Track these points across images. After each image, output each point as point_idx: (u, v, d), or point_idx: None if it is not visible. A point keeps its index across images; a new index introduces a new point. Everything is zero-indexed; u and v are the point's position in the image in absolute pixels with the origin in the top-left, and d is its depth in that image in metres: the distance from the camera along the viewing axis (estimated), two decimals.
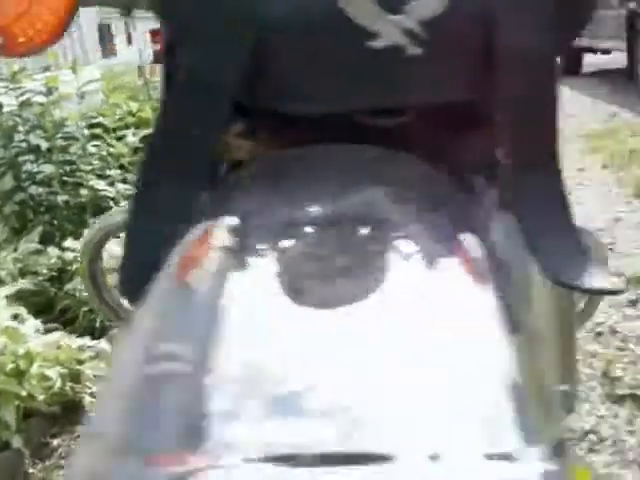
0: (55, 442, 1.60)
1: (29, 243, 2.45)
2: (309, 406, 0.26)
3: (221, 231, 0.36)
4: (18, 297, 2.08)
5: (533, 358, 0.34)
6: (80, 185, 2.81)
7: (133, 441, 0.27)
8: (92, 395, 1.76)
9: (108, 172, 2.92)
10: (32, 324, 1.83)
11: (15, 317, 1.82)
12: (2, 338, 1.62)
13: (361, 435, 0.25)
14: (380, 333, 0.29)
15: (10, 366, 1.59)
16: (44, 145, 2.65)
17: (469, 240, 0.35)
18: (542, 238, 0.39)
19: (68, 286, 2.29)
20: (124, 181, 3.02)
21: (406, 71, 0.38)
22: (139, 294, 0.35)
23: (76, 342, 1.84)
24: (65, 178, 2.77)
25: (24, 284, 2.23)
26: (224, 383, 0.27)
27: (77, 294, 2.24)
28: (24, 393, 1.58)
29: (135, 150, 3.31)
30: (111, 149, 3.03)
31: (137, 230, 0.42)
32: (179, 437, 0.26)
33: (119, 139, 3.39)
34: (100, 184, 2.88)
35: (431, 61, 0.37)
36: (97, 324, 2.14)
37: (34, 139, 2.64)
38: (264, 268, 0.32)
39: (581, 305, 1.00)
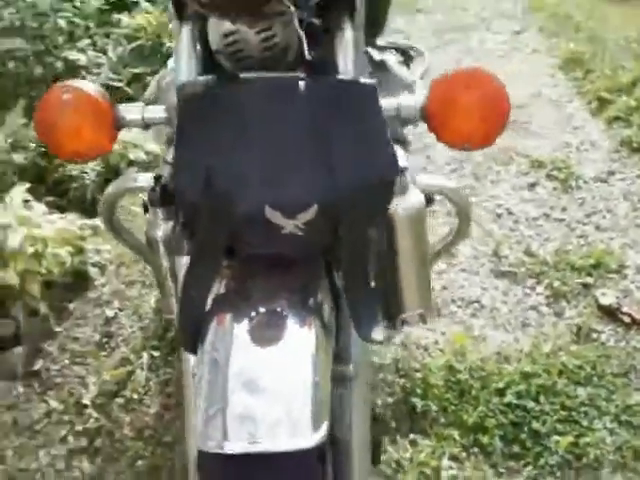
0: (71, 306, 2.06)
1: (15, 118, 2.72)
2: None
3: None
4: (17, 170, 2.44)
5: None
6: (55, 57, 3.02)
7: None
8: (95, 266, 2.20)
9: (78, 44, 3.11)
10: (39, 208, 2.22)
11: (25, 202, 2.19)
12: (22, 228, 2.02)
13: None
14: None
15: (30, 250, 2.00)
16: (17, 23, 2.84)
17: None
18: (355, 312, 0.83)
19: (57, 160, 2.60)
20: (94, 48, 3.23)
21: (295, 239, 0.79)
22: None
23: (76, 222, 2.23)
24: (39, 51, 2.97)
25: (17, 159, 2.55)
26: None
27: (66, 169, 2.57)
28: (43, 270, 2.01)
29: (101, 11, 3.46)
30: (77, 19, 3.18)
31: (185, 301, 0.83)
32: None
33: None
34: (73, 54, 3.10)
35: (305, 236, 0.79)
36: (88, 197, 2.51)
37: (8, 16, 2.82)
38: None
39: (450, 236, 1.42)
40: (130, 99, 2.91)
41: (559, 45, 3.50)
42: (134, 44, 3.15)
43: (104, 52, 3.18)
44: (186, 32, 0.89)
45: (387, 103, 0.88)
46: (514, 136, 2.73)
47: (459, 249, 2.13)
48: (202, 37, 0.91)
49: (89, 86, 0.91)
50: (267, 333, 0.74)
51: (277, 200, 0.76)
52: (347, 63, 0.88)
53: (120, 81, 3.06)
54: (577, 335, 1.79)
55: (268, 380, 0.70)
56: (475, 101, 0.85)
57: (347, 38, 0.88)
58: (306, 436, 0.67)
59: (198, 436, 0.68)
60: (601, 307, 1.86)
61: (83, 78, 3.09)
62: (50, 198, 2.42)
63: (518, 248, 2.12)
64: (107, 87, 3.03)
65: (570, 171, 2.45)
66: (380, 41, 1.44)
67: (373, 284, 1.24)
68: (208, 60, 0.91)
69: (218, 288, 0.81)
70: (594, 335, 1.79)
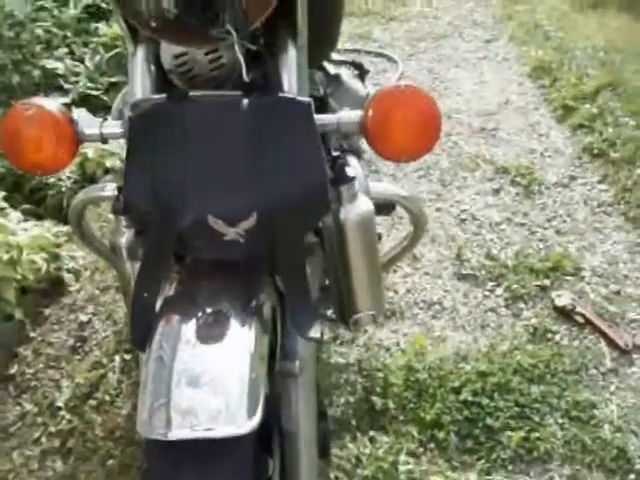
0: (47, 311, 2.11)
1: None
2: None
3: None
4: None
5: None
6: (32, 66, 3.07)
7: None
8: (69, 272, 2.25)
9: (55, 53, 3.17)
10: (14, 216, 2.27)
11: (1, 209, 2.24)
12: None
13: None
14: None
15: (5, 256, 2.05)
16: None
17: None
18: (293, 311, 0.90)
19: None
20: (72, 57, 3.29)
21: (237, 246, 0.86)
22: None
23: (52, 230, 2.29)
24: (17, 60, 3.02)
25: None
26: None
27: (43, 177, 2.62)
28: (19, 276, 2.07)
29: (79, 20, 3.52)
30: (54, 29, 3.24)
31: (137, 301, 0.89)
32: None
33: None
34: (50, 62, 3.15)
35: (247, 242, 0.86)
36: (64, 204, 2.55)
37: None
38: None
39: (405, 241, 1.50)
40: (107, 108, 2.97)
41: (528, 54, 3.59)
42: (112, 53, 3.20)
43: (82, 61, 3.23)
44: (140, 53, 0.96)
45: (327, 119, 0.95)
46: (481, 143, 2.82)
47: (424, 253, 2.20)
48: (155, 57, 0.97)
49: (50, 103, 0.98)
50: (211, 332, 0.80)
51: (219, 210, 0.83)
52: (290, 82, 0.96)
53: (97, 90, 3.11)
54: (533, 335, 1.87)
55: (209, 375, 0.77)
56: (408, 116, 0.92)
57: (290, 59, 0.95)
58: (242, 424, 0.74)
59: (142, 426, 0.74)
60: (557, 308, 1.94)
61: (60, 87, 3.16)
62: (26, 206, 2.47)
63: (480, 252, 2.19)
64: (84, 96, 3.09)
65: (533, 177, 2.54)
66: (338, 55, 1.51)
67: (326, 285, 1.31)
68: (161, 79, 0.98)
69: (167, 291, 0.88)
70: (549, 335, 1.87)
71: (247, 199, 0.84)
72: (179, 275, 0.90)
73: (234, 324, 0.82)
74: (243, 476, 0.77)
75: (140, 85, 0.96)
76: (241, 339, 0.81)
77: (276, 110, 0.87)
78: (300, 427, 1.00)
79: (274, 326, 0.94)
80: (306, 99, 0.88)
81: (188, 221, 0.83)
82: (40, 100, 0.97)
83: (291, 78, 0.96)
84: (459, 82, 3.37)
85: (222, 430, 0.73)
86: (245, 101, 0.86)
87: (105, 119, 0.99)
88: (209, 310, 0.83)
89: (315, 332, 0.88)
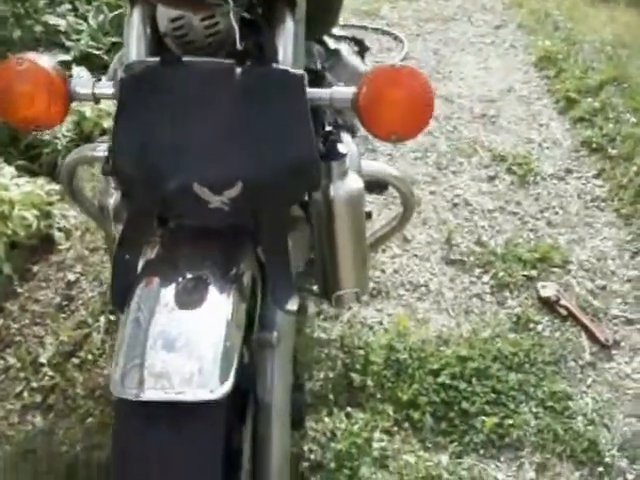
0: (35, 268, 2.12)
1: None
2: None
3: None
4: None
5: None
6: (35, 21, 3.04)
7: None
8: (60, 230, 2.25)
9: (58, 9, 3.14)
10: (8, 171, 2.26)
11: None
12: None
13: None
14: None
15: None
16: None
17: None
18: (273, 283, 0.90)
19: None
20: (75, 14, 3.25)
21: (221, 214, 0.87)
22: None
23: (45, 187, 2.28)
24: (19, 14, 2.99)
25: None
26: None
27: (39, 134, 2.61)
28: (9, 232, 2.07)
29: None
30: None
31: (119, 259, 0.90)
32: None
33: None
34: (53, 18, 3.12)
35: (231, 211, 0.86)
36: (59, 162, 2.54)
37: None
38: None
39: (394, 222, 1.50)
40: (108, 67, 2.94)
41: (536, 42, 3.57)
42: (115, 12, 3.17)
43: (85, 19, 3.20)
44: (136, 15, 0.96)
45: (320, 93, 0.95)
46: (480, 129, 2.81)
47: (414, 235, 2.21)
48: (152, 20, 0.97)
49: (44, 59, 0.97)
50: (189, 297, 0.81)
51: (205, 177, 0.83)
52: (286, 54, 0.95)
53: (99, 49, 3.09)
54: (516, 324, 1.88)
55: (185, 339, 0.78)
56: (401, 96, 0.92)
57: (287, 30, 0.95)
58: (214, 389, 0.75)
59: (115, 386, 0.75)
60: (541, 299, 1.95)
61: (62, 44, 3.13)
62: (21, 162, 2.46)
63: (470, 238, 2.20)
64: (86, 54, 3.06)
65: (530, 167, 2.54)
66: (339, 30, 1.50)
67: (312, 259, 1.31)
68: (156, 42, 0.97)
69: (149, 254, 0.88)
70: (531, 325, 1.88)
71: (233, 168, 0.84)
72: (162, 239, 0.90)
73: (213, 291, 0.82)
74: (213, 441, 0.78)
75: (135, 47, 0.96)
76: (219, 306, 0.81)
77: (268, 80, 0.86)
78: (274, 397, 1.02)
79: (254, 296, 0.95)
80: (299, 71, 0.88)
81: (173, 186, 0.83)
82: (34, 55, 0.97)
83: (287, 50, 0.95)
84: (463, 66, 3.35)
85: (194, 394, 0.74)
86: (238, 69, 0.86)
87: (99, 79, 0.99)
88: (189, 276, 0.84)
89: (292, 305, 0.88)
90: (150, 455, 0.75)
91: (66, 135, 2.60)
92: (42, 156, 2.58)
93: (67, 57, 3.00)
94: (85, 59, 3.03)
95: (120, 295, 0.85)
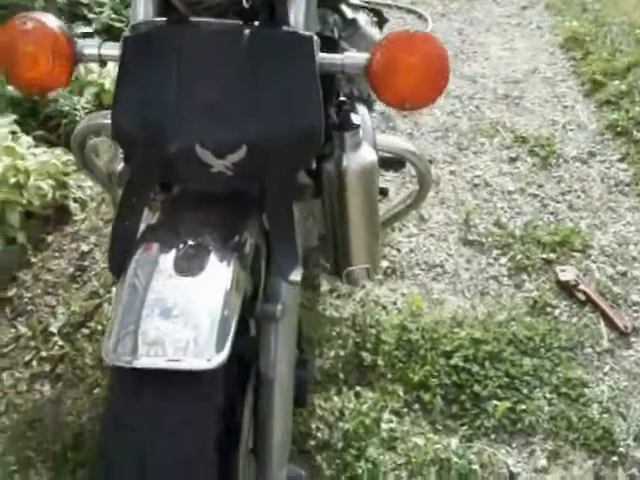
0: (49, 238, 2.11)
1: None
2: None
3: None
4: (10, 103, 2.47)
5: None
6: None
7: None
8: (76, 201, 2.24)
9: None
10: (25, 140, 2.25)
11: (13, 133, 2.22)
12: (5, 157, 2.06)
13: None
14: None
15: (12, 180, 2.05)
16: None
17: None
18: (276, 253, 0.87)
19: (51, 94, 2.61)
20: None
21: (223, 179, 0.84)
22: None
23: (62, 158, 2.27)
24: None
25: (11, 92, 2.58)
26: None
27: (58, 104, 2.59)
28: (24, 201, 2.06)
29: None
30: None
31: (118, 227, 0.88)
32: None
33: None
34: None
35: (235, 176, 0.84)
36: None
37: None
38: None
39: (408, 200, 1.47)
40: None
41: (563, 24, 3.48)
42: None
43: None
44: None
45: (332, 58, 0.91)
46: (504, 110, 2.75)
47: (432, 215, 2.17)
48: None
49: (49, 19, 0.95)
50: (189, 264, 0.79)
51: (208, 140, 0.81)
52: (297, 17, 0.92)
53: (121, 22, 3.07)
54: (532, 308, 1.84)
55: (181, 307, 0.75)
56: (415, 62, 0.88)
57: None
58: (209, 359, 0.73)
59: (108, 353, 0.73)
60: (559, 283, 1.91)
61: (84, 16, 3.11)
62: (39, 132, 2.45)
63: (489, 219, 2.15)
64: (108, 27, 3.04)
65: (552, 149, 2.48)
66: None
67: (323, 235, 1.28)
68: (164, 3, 0.94)
69: (150, 219, 0.86)
70: (548, 309, 1.84)
71: (237, 131, 0.81)
72: (163, 205, 0.88)
73: (213, 258, 0.80)
74: (207, 411, 0.76)
75: (142, 7, 0.93)
76: (218, 274, 0.79)
77: (277, 43, 0.83)
78: (277, 372, 0.99)
79: (258, 266, 0.92)
80: (308, 34, 0.85)
81: (175, 148, 0.80)
82: (39, 14, 0.94)
83: (298, 14, 0.92)
84: (488, 46, 3.27)
85: (188, 362, 0.72)
86: (246, 31, 0.83)
87: (105, 40, 0.97)
88: (190, 242, 0.81)
89: (296, 275, 0.86)
90: (141, 424, 0.73)
91: (85, 107, 2.59)
92: (60, 127, 2.57)
93: (89, 29, 2.98)
94: (107, 31, 3.01)
95: (118, 261, 0.82)
